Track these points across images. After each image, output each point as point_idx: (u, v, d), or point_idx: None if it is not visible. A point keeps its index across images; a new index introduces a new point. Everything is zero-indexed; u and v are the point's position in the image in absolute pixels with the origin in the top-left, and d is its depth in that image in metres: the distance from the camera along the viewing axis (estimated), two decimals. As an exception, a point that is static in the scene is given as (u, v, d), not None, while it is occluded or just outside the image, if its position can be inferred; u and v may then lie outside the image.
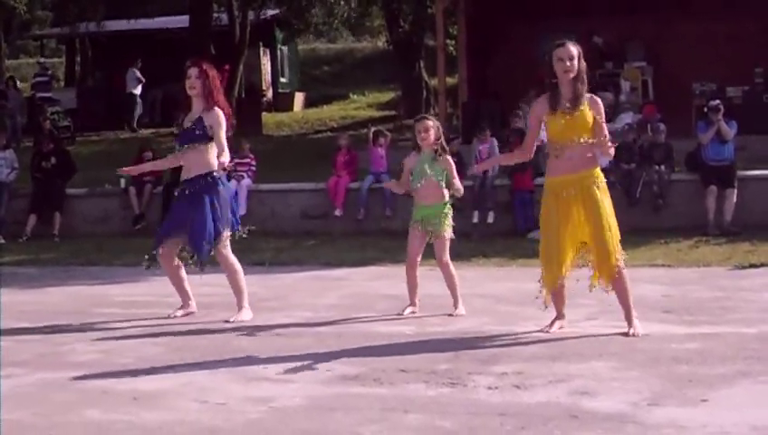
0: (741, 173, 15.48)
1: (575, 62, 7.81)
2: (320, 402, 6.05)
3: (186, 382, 6.66)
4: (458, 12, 22.79)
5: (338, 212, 16.83)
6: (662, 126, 16.43)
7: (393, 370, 6.81)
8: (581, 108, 7.80)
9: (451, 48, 27.37)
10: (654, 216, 15.53)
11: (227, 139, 9.06)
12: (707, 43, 21.63)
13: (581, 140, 7.79)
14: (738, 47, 21.19)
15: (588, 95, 7.90)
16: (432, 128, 9.20)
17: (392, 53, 34.17)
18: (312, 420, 5.68)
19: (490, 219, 15.89)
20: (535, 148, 8.42)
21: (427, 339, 7.97)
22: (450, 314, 9.05)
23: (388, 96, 36.03)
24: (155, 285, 11.31)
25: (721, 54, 21.37)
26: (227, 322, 8.93)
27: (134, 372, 7.01)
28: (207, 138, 9.02)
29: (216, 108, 9.06)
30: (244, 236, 9.50)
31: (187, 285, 9.45)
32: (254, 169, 17.79)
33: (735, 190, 15.09)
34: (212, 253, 9.08)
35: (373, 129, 18.63)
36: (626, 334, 7.83)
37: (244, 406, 6.01)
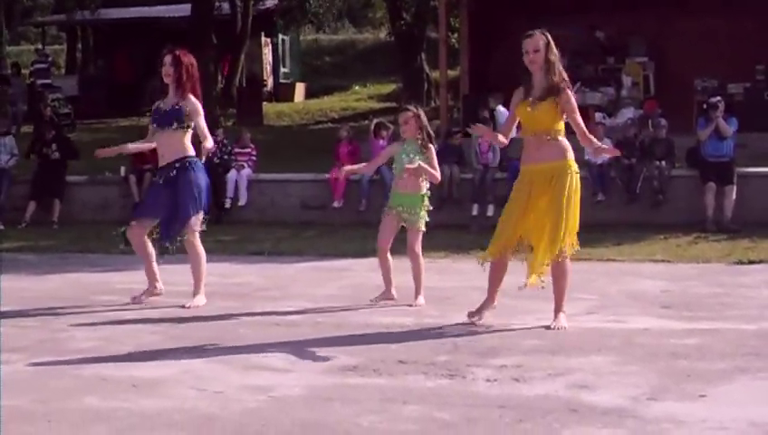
0: (741, 170, 15.47)
1: (540, 53, 7.83)
2: (318, 392, 6.05)
3: (184, 370, 6.66)
4: (461, 5, 22.78)
5: (336, 204, 16.84)
6: (663, 121, 16.42)
7: (392, 361, 6.81)
8: (547, 100, 7.81)
9: (453, 41, 27.36)
10: (654, 211, 15.53)
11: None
12: (709, 39, 21.59)
13: (546, 135, 7.80)
14: (740, 44, 21.15)
15: (556, 85, 7.85)
16: (412, 118, 9.19)
17: (394, 44, 34.16)
18: (311, 410, 5.67)
19: (490, 212, 15.87)
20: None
21: (427, 331, 7.97)
22: (410, 305, 9.08)
23: (389, 88, 36.01)
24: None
25: (722, 51, 21.34)
26: (184, 307, 8.99)
27: (133, 360, 7.01)
28: (184, 125, 9.14)
29: (191, 96, 9.15)
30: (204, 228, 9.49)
31: (155, 266, 9.49)
32: (254, 158, 17.79)
33: (735, 187, 15.09)
34: (180, 239, 9.14)
35: (375, 120, 18.62)
36: (548, 327, 7.85)
37: (242, 395, 6.01)
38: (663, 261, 12.26)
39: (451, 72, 24.19)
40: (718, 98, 16.15)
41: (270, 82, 36.01)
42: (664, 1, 22.00)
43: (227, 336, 7.81)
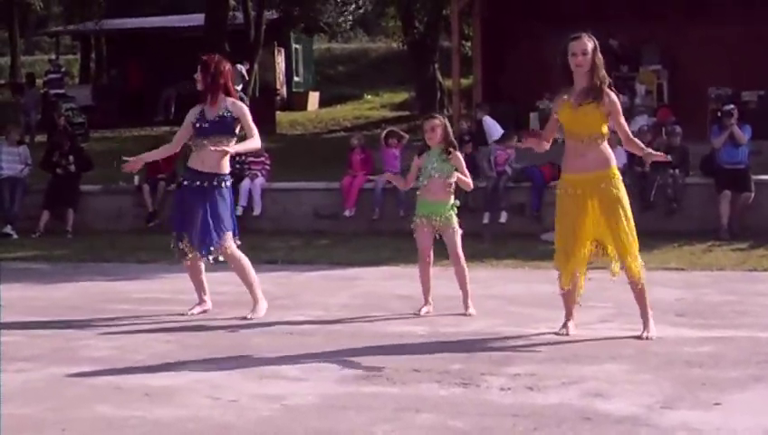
0: (755, 177, 15.43)
1: (588, 56, 7.77)
2: (332, 401, 6.05)
3: (198, 379, 6.66)
4: (473, 14, 22.78)
5: (347, 213, 16.82)
6: (677, 129, 16.39)
7: (406, 369, 6.80)
8: (593, 102, 7.73)
9: (466, 49, 27.37)
10: (668, 219, 15.50)
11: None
12: (723, 47, 21.55)
13: (591, 136, 7.75)
14: (754, 52, 21.11)
15: (606, 91, 7.80)
16: (439, 126, 9.20)
17: (407, 53, 34.19)
18: (325, 419, 5.67)
19: (502, 219, 15.88)
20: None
21: (440, 339, 7.96)
22: (464, 314, 9.04)
23: (402, 97, 36.04)
24: (168, 282, 11.34)
25: (736, 59, 21.30)
26: (245, 318, 8.93)
27: (146, 369, 7.01)
28: (233, 130, 9.08)
29: (235, 99, 9.14)
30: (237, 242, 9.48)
31: (204, 280, 9.44)
32: (268, 167, 17.80)
33: (753, 194, 15.06)
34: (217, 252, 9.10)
35: (386, 129, 18.63)
36: (639, 337, 7.81)
37: (256, 403, 6.01)
38: (677, 269, 12.23)
39: (464, 81, 24.20)
40: (732, 106, 16.13)
41: (283, 90, 36.07)
42: (677, 9, 21.98)
43: (241, 345, 7.81)
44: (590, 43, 7.79)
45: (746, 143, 15.56)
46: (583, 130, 7.76)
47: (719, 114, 16.34)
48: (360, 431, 5.43)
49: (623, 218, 7.84)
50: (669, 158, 9.22)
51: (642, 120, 19.17)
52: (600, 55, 7.83)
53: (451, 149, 9.22)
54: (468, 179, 9.36)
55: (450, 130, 9.38)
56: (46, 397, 6.25)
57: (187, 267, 9.36)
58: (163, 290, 10.94)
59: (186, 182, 9.25)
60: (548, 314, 8.52)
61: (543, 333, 8.03)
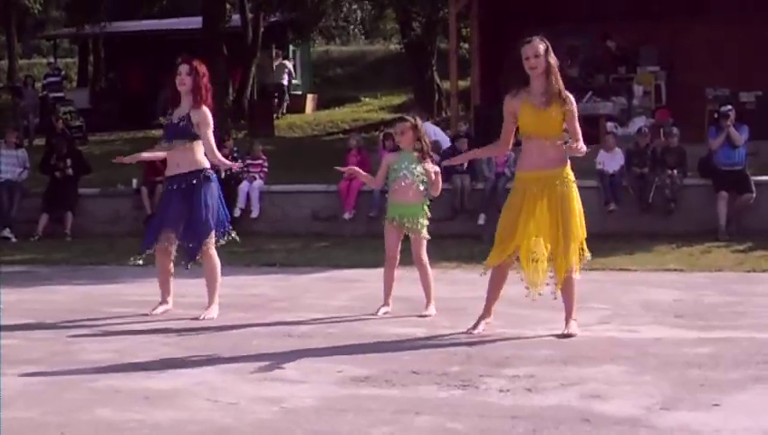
0: (753, 178, 15.46)
1: (541, 58, 7.82)
2: (331, 403, 6.05)
3: (197, 382, 6.65)
4: (471, 15, 22.80)
5: (347, 215, 16.83)
6: (675, 130, 16.43)
7: (405, 371, 6.80)
8: (554, 104, 7.80)
9: (463, 51, 27.37)
10: (666, 220, 15.52)
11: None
12: (720, 47, 21.59)
13: (551, 138, 7.78)
14: (751, 52, 21.15)
15: (562, 92, 7.86)
16: (409, 129, 9.17)
17: (405, 55, 34.18)
18: (324, 421, 5.67)
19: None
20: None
21: (439, 341, 7.96)
22: (421, 315, 9.07)
23: (400, 99, 36.02)
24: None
25: (734, 60, 21.34)
26: (197, 319, 8.98)
27: (146, 371, 7.01)
28: (193, 135, 9.10)
29: (204, 106, 9.10)
30: (236, 238, 9.49)
31: (171, 281, 9.51)
32: (266, 170, 17.83)
33: (754, 195, 15.08)
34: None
35: (384, 131, 18.66)
36: (562, 335, 7.87)
37: (255, 406, 6.01)
38: (676, 270, 12.25)
39: (462, 83, 24.20)
40: (729, 107, 16.15)
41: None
42: (675, 10, 21.99)
43: (240, 347, 7.81)
44: (541, 45, 7.86)
45: (743, 144, 15.57)
46: (547, 132, 7.82)
47: (716, 115, 16.36)
48: (359, 433, 5.43)
49: (574, 217, 7.84)
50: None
51: (640, 122, 19.21)
52: (553, 57, 7.88)
53: (428, 161, 9.17)
54: (438, 185, 9.29)
55: (423, 131, 9.31)
56: (46, 400, 6.24)
57: (159, 265, 9.42)
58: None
59: (169, 187, 9.30)
60: (547, 316, 8.52)
61: (542, 335, 8.03)
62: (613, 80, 22.46)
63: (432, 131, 18.89)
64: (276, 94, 33.21)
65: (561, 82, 7.89)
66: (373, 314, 9.17)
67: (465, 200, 16.29)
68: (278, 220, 17.23)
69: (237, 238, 9.52)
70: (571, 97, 7.96)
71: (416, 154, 9.15)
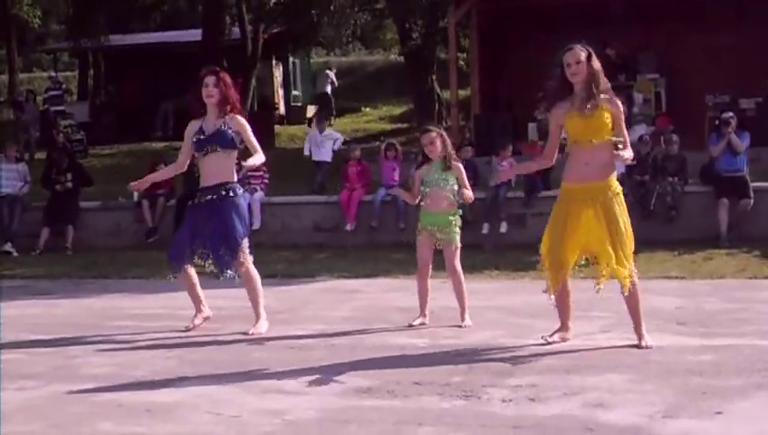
0: (754, 185, 15.45)
1: (582, 65, 7.81)
2: (333, 415, 6.04)
3: (199, 395, 6.65)
4: (470, 25, 22.84)
5: (349, 227, 16.82)
6: (675, 137, 16.42)
7: (407, 382, 6.79)
8: (598, 109, 7.76)
9: (462, 61, 27.39)
10: (667, 227, 15.51)
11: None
12: (720, 54, 21.59)
13: (600, 142, 7.75)
14: (751, 59, 21.15)
15: (606, 96, 7.85)
16: (437, 138, 9.21)
17: (404, 65, 34.21)
18: (326, 433, 5.66)
19: (503, 229, 15.88)
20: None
21: (441, 351, 7.94)
22: (459, 326, 9.05)
23: (400, 109, 36.07)
24: (168, 298, 11.33)
25: (734, 66, 21.35)
26: (246, 333, 8.91)
27: (148, 385, 7.01)
28: (234, 143, 9.03)
29: (236, 114, 9.07)
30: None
31: (200, 290, 9.42)
32: (266, 181, 17.82)
33: (752, 201, 15.07)
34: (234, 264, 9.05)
35: (385, 141, 18.68)
36: (638, 347, 7.81)
37: (257, 419, 6.00)
38: (677, 277, 12.24)
39: (462, 92, 24.23)
40: (730, 114, 16.14)
41: (281, 105, 36.09)
42: (674, 17, 22.02)
43: (242, 360, 7.80)
44: (582, 52, 7.84)
45: (744, 151, 15.57)
46: (592, 137, 7.77)
47: (717, 122, 16.36)
48: (362, 445, 5.43)
49: (622, 230, 7.82)
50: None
51: (641, 129, 19.20)
52: (596, 62, 7.86)
53: (453, 161, 9.23)
54: (469, 192, 9.35)
55: (448, 140, 9.38)
56: (47, 415, 6.24)
57: (183, 281, 9.32)
58: (163, 306, 10.94)
59: (197, 198, 9.16)
60: (549, 325, 8.50)
61: (544, 345, 8.02)
62: (613, 87, 22.41)
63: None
64: (321, 103, 33.84)
65: (605, 87, 7.86)
66: (409, 325, 9.12)
67: (467, 210, 16.26)
68: (279, 232, 17.22)
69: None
70: (618, 101, 7.95)
71: (444, 163, 9.18)
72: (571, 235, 7.83)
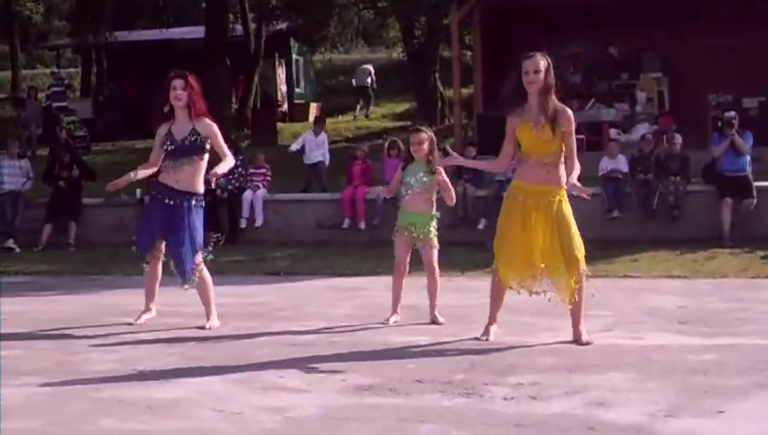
0: (756, 184, 15.44)
1: (540, 74, 7.76)
2: (335, 412, 6.04)
3: (202, 391, 6.65)
4: (473, 23, 22.81)
5: (362, 225, 16.81)
6: (678, 137, 16.41)
7: (409, 380, 6.80)
8: (550, 123, 7.75)
9: (466, 59, 27.36)
10: (670, 227, 15.50)
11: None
12: (723, 54, 21.56)
13: (551, 158, 7.76)
14: (754, 58, 21.13)
15: (558, 107, 7.83)
16: (426, 140, 9.23)
17: (407, 63, 34.19)
18: (328, 430, 5.66)
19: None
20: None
21: (443, 349, 7.95)
22: (433, 323, 9.11)
23: (403, 107, 36.04)
24: (170, 295, 11.31)
25: (737, 65, 21.32)
26: (202, 328, 9.02)
27: (150, 381, 7.00)
28: (204, 149, 9.11)
29: (205, 118, 9.12)
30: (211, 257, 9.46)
31: (156, 287, 9.59)
32: (269, 179, 17.84)
33: (755, 201, 15.06)
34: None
35: (390, 139, 18.69)
36: (576, 342, 7.88)
37: (259, 415, 6.00)
38: (679, 277, 12.24)
39: (465, 90, 24.21)
40: (733, 114, 16.10)
41: (284, 102, 36.09)
42: (677, 16, 21.99)
43: (244, 357, 7.80)
44: (542, 61, 7.80)
45: (748, 151, 15.55)
46: (543, 151, 7.79)
47: (719, 123, 16.32)
48: (364, 442, 5.43)
49: (571, 232, 7.83)
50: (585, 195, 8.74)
51: (643, 128, 19.21)
52: (552, 74, 7.80)
53: (437, 167, 9.20)
54: (452, 193, 9.36)
55: (435, 143, 9.39)
56: (49, 411, 6.24)
57: (148, 272, 9.48)
58: (165, 303, 10.91)
59: (159, 196, 9.24)
60: (550, 323, 8.52)
61: (546, 343, 8.02)
62: (616, 86, 22.47)
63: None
64: (361, 96, 35.48)
65: (556, 102, 7.82)
66: (383, 323, 9.16)
67: (469, 208, 16.28)
68: (282, 229, 17.23)
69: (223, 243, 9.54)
70: (569, 113, 7.89)
71: (427, 165, 9.18)
72: (522, 234, 7.84)
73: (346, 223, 16.93)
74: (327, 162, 18.82)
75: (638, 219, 15.74)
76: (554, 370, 7.06)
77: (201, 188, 9.21)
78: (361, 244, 16.14)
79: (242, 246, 15.98)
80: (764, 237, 14.53)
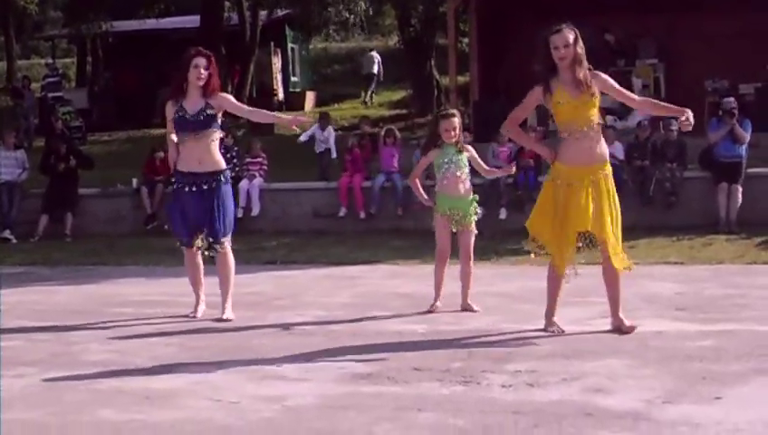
0: (753, 171, 15.49)
1: (570, 48, 7.72)
2: (333, 401, 6.04)
3: (198, 381, 6.65)
4: (470, 11, 22.78)
5: (362, 214, 16.80)
6: (674, 123, 16.37)
7: (406, 368, 6.79)
8: (586, 91, 7.72)
9: (463, 46, 27.32)
10: (667, 213, 15.51)
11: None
12: (719, 39, 21.54)
13: (590, 127, 7.73)
14: (750, 44, 21.09)
15: (590, 74, 7.79)
16: (459, 125, 9.23)
17: (403, 51, 34.15)
18: (325, 419, 5.66)
19: (502, 215, 15.92)
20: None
21: (441, 337, 7.95)
22: (466, 310, 9.07)
23: (399, 95, 36.01)
24: (167, 285, 11.34)
25: (733, 51, 21.28)
26: (219, 320, 8.93)
27: (147, 372, 7.00)
28: (217, 123, 8.98)
29: (217, 92, 9.03)
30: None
31: (201, 276, 9.36)
32: (265, 168, 17.83)
33: (741, 188, 15.06)
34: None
35: (386, 127, 18.67)
36: (619, 331, 7.83)
37: (257, 405, 6.00)
38: (677, 263, 12.25)
39: (461, 78, 24.17)
40: (733, 102, 16.02)
41: (280, 91, 36.03)
42: (673, 3, 21.95)
43: (241, 346, 7.80)
44: (570, 34, 7.75)
45: (747, 141, 15.53)
46: (584, 117, 7.73)
47: (720, 111, 16.27)
48: (361, 431, 5.42)
49: (615, 213, 7.80)
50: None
51: (640, 115, 19.16)
52: (581, 44, 7.78)
53: (468, 146, 9.29)
54: (484, 166, 9.54)
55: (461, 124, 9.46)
56: (47, 402, 6.23)
57: (188, 261, 9.25)
58: (163, 293, 10.94)
59: (186, 188, 9.01)
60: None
61: (543, 330, 8.02)
62: (612, 73, 22.32)
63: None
64: (368, 83, 35.70)
65: (586, 70, 7.78)
66: (428, 312, 9.11)
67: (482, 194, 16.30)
68: (278, 218, 17.23)
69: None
70: (601, 74, 7.92)
71: (456, 147, 9.22)
72: (573, 217, 7.77)
73: (342, 211, 16.93)
74: (334, 155, 18.67)
75: (635, 206, 15.70)
76: (552, 357, 7.06)
77: (224, 163, 9.12)
78: (358, 232, 16.14)
79: (238, 236, 15.89)
80: (761, 223, 14.53)
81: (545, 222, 7.92)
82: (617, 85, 7.93)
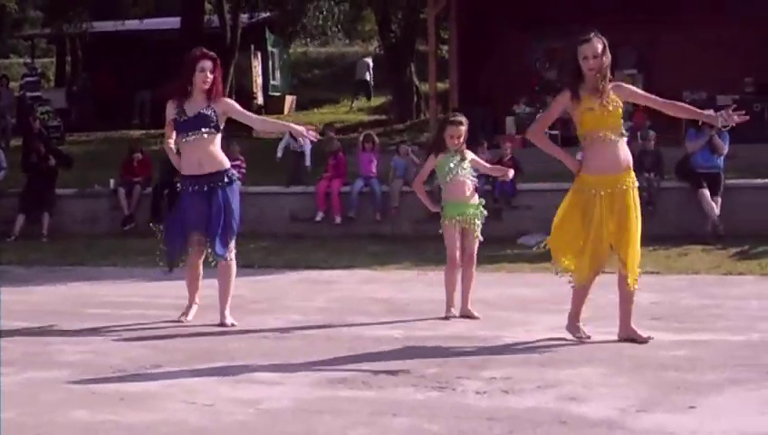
0: (731, 182, 15.51)
1: (598, 59, 7.73)
2: (308, 405, 6.04)
3: (173, 383, 6.64)
4: (450, 17, 22.81)
5: (338, 219, 16.77)
6: (652, 133, 16.46)
7: (382, 373, 6.80)
8: (608, 100, 7.72)
9: (443, 53, 27.35)
10: (643, 223, 15.49)
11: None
12: (698, 51, 21.64)
13: (618, 134, 7.75)
14: (728, 56, 21.22)
15: (611, 85, 7.81)
16: (465, 134, 9.29)
17: (383, 57, 34.16)
18: (300, 423, 5.66)
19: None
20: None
21: (416, 343, 7.95)
22: (467, 316, 9.10)
23: (378, 100, 36.03)
24: (144, 286, 11.32)
25: (711, 63, 21.39)
26: (222, 325, 8.84)
27: (122, 373, 6.99)
28: (216, 125, 8.80)
29: (221, 97, 8.91)
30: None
31: (200, 280, 9.24)
32: (243, 171, 17.78)
33: (720, 199, 15.12)
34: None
35: (364, 133, 18.67)
36: (634, 341, 7.83)
37: (231, 407, 5.99)
38: (652, 273, 12.26)
39: (440, 85, 24.20)
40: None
41: (259, 94, 35.98)
42: (653, 13, 22.04)
43: (217, 349, 7.80)
44: (599, 44, 7.77)
45: (725, 152, 15.58)
46: (612, 122, 7.75)
47: (700, 123, 16.31)
48: (336, 435, 5.43)
49: (636, 227, 7.82)
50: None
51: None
52: (608, 54, 7.81)
53: (466, 150, 9.35)
54: (488, 167, 9.77)
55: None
56: (21, 402, 6.21)
57: (190, 267, 9.14)
58: (139, 294, 10.92)
59: (189, 189, 8.88)
60: (524, 318, 8.54)
61: (519, 337, 8.04)
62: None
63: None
64: (360, 89, 36.42)
65: (607, 82, 7.80)
66: (445, 318, 9.08)
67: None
68: (256, 221, 17.17)
69: None
70: (623, 85, 8.02)
71: (459, 153, 9.27)
72: (605, 228, 7.77)
73: (319, 216, 16.91)
74: (308, 163, 18.45)
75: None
76: (527, 364, 7.08)
77: (227, 162, 8.98)
78: (336, 237, 16.13)
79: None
80: (736, 235, 14.57)
81: (570, 230, 7.94)
82: (640, 91, 8.04)
